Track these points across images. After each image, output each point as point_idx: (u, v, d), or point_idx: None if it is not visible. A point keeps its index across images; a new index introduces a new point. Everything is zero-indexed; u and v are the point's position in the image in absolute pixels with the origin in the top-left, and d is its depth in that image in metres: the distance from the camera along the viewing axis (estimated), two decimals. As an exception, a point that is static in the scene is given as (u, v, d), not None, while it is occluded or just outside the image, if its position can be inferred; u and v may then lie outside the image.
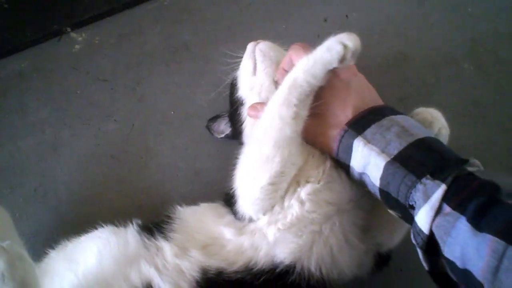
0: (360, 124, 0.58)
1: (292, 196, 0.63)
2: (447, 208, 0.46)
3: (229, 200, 0.70)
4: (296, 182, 0.64)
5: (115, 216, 0.73)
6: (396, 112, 0.60)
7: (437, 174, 0.49)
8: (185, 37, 1.05)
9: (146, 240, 0.66)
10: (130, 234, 0.68)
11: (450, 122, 0.92)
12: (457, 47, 1.01)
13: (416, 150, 0.52)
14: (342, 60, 0.58)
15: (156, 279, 0.62)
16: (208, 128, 0.91)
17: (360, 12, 1.06)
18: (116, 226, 0.71)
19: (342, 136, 0.59)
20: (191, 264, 0.62)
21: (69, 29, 1.06)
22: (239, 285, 0.61)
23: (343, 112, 0.61)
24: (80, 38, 1.06)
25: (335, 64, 0.59)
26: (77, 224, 0.75)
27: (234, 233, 0.65)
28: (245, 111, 0.77)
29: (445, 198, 0.47)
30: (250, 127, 0.76)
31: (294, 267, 0.61)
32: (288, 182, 0.63)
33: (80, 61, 1.03)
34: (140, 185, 0.90)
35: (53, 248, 0.74)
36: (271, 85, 0.75)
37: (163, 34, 1.06)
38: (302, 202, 0.62)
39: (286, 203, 0.63)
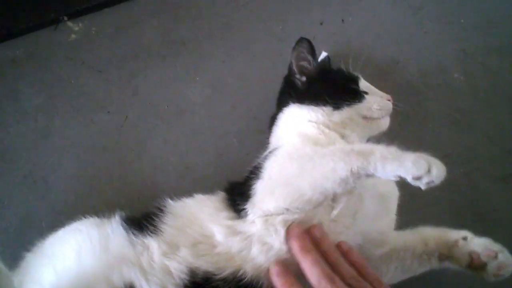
0: None
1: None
2: None
3: (234, 190, 0.68)
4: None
5: (105, 207, 0.72)
6: None
7: None
8: (181, 33, 1.06)
9: (133, 236, 0.62)
10: (114, 228, 0.64)
11: (437, 130, 0.96)
12: (448, 56, 1.03)
13: None
14: (417, 178, 0.56)
15: (140, 281, 0.58)
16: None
17: (356, 17, 1.07)
18: (99, 218, 0.69)
19: None
20: (179, 265, 0.59)
21: (66, 18, 1.06)
22: None
23: None
24: (76, 28, 1.06)
25: (407, 176, 0.56)
26: (65, 213, 0.75)
27: (226, 234, 0.61)
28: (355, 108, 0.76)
29: None
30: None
31: None
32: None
33: (76, 50, 1.03)
34: (131, 177, 0.90)
35: (40, 236, 0.72)
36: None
37: (160, 28, 1.06)
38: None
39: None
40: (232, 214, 0.64)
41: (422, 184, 0.56)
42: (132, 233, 0.63)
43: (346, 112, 0.75)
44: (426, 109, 0.97)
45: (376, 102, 0.77)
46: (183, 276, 0.58)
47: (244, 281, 0.58)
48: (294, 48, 0.81)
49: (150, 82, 1.00)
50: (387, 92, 0.83)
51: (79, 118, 0.96)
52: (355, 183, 0.59)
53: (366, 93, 0.79)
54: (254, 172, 0.66)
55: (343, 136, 0.73)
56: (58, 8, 1.05)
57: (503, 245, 0.79)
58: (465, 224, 0.86)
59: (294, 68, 0.81)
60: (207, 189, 0.75)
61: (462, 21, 1.07)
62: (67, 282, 0.59)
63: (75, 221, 0.69)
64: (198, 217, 0.64)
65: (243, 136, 0.94)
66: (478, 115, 0.96)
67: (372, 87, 0.82)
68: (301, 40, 0.81)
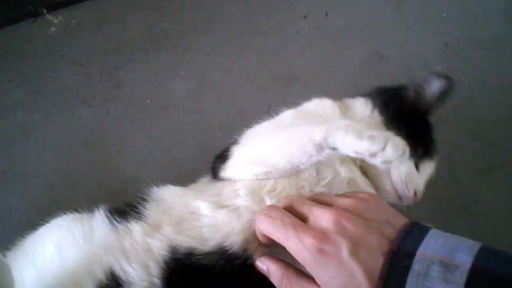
0: (392, 282, 0.42)
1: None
2: None
3: (220, 161, 0.67)
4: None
5: (87, 203, 0.70)
6: (419, 233, 0.45)
7: None
8: (164, 26, 1.04)
9: (116, 222, 0.61)
10: (97, 220, 0.63)
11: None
12: (431, 50, 1.04)
13: None
14: (372, 155, 0.52)
15: (121, 263, 0.57)
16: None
17: (340, 11, 1.07)
18: (80, 213, 0.67)
19: None
20: (161, 242, 0.58)
21: (45, 11, 1.03)
22: (209, 274, 0.56)
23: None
24: (56, 21, 1.03)
25: (364, 152, 0.52)
26: (47, 210, 0.73)
27: (211, 208, 0.60)
28: None
29: None
30: None
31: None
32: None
33: (56, 44, 1.01)
34: (113, 172, 0.89)
35: (21, 233, 0.70)
36: None
37: (142, 21, 1.05)
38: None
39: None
40: (216, 190, 0.63)
41: (378, 162, 0.53)
42: (116, 220, 0.61)
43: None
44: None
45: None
46: (164, 253, 0.56)
47: (229, 252, 0.56)
48: (436, 78, 0.73)
49: (133, 76, 0.99)
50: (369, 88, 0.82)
51: (59, 112, 0.94)
52: (320, 156, 0.57)
53: None
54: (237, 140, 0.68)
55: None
56: (37, 0, 1.02)
57: (486, 237, 0.81)
58: (448, 215, 0.87)
59: (417, 89, 0.74)
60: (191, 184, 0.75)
61: (444, 15, 1.08)
62: (49, 278, 0.58)
63: (56, 217, 0.67)
64: (183, 197, 0.63)
65: (228, 130, 0.93)
66: (461, 109, 0.97)
67: None
68: (449, 79, 0.73)
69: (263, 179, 0.61)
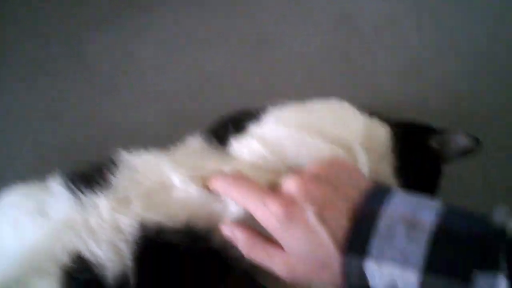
0: (357, 243, 0.43)
1: None
2: None
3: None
4: None
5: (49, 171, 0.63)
6: (383, 194, 0.45)
7: (485, 266, 0.38)
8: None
9: (78, 194, 0.55)
10: (56, 192, 0.56)
11: (388, 79, 0.97)
12: (398, 7, 1.03)
13: (440, 247, 0.40)
14: None
15: (87, 244, 0.52)
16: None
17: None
18: (34, 183, 0.60)
19: (347, 269, 0.44)
20: (130, 219, 0.53)
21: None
22: (177, 254, 0.53)
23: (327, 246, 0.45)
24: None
25: None
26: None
27: (186, 181, 0.55)
28: None
29: None
30: None
31: None
32: None
33: (18, 13, 0.98)
34: (78, 144, 0.87)
35: None
36: None
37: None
38: None
39: None
40: (199, 163, 0.59)
41: None
42: (80, 190, 0.55)
43: None
44: (376, 61, 0.98)
45: None
46: (133, 230, 0.52)
47: (198, 231, 0.53)
48: (464, 135, 0.68)
49: (97, 46, 0.97)
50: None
51: (21, 84, 0.92)
52: None
53: None
54: None
55: None
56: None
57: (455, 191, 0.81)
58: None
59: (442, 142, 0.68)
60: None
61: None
62: (8, 264, 0.52)
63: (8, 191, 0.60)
64: (158, 167, 0.58)
65: (196, 96, 0.92)
66: (428, 64, 0.98)
67: None
68: (477, 141, 0.67)
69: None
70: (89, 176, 0.58)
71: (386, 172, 0.59)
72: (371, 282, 0.42)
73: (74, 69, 0.94)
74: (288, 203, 0.46)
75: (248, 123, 0.63)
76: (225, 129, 0.64)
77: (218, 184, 0.53)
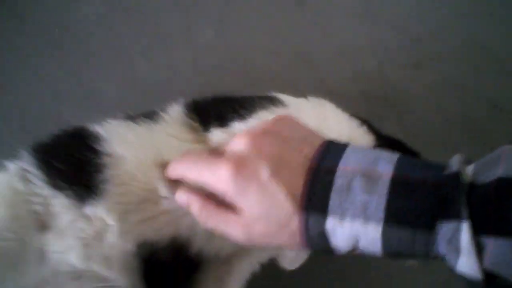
0: (315, 200, 0.41)
1: None
2: (489, 242, 0.36)
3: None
4: None
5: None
6: (338, 149, 0.43)
7: (446, 212, 0.37)
8: None
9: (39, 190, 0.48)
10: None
11: (344, 22, 0.95)
12: None
13: (400, 197, 0.39)
14: None
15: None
16: None
17: None
18: None
19: (306, 227, 0.42)
20: (126, 237, 0.50)
21: None
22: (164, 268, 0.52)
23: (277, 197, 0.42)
24: None
25: None
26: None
27: (170, 189, 0.52)
28: None
29: (479, 231, 0.36)
30: None
31: None
32: None
33: None
34: (31, 113, 0.81)
35: None
36: None
37: None
38: None
39: None
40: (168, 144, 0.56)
41: None
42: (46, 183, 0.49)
43: None
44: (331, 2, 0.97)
45: None
46: (131, 248, 0.50)
47: (182, 242, 0.51)
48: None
49: (36, 4, 0.90)
50: None
51: None
52: None
53: None
54: None
55: None
56: None
57: (413, 134, 0.81)
58: (377, 112, 0.89)
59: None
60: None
61: None
62: None
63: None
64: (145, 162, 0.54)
65: (148, 54, 0.88)
66: (382, 6, 0.97)
67: None
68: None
69: None
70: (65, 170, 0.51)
71: None
72: (331, 239, 0.41)
73: (15, 30, 0.87)
74: (237, 162, 0.43)
75: (233, 119, 0.58)
76: (208, 114, 0.59)
77: (173, 173, 0.50)
